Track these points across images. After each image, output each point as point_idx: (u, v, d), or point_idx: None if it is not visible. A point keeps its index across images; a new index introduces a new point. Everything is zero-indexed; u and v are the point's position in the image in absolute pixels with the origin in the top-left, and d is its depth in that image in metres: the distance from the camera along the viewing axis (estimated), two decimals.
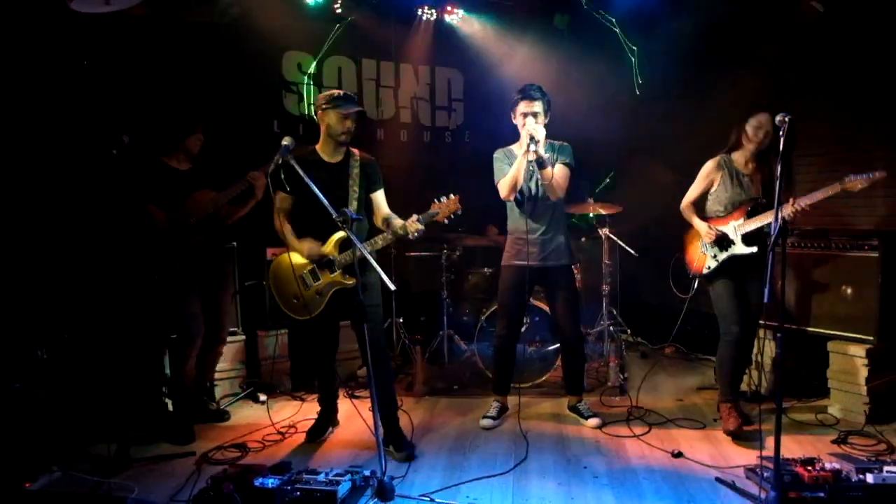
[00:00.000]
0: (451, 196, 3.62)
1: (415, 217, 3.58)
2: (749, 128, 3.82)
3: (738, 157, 3.93)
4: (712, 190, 3.99)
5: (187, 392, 4.15)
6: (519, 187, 4.00)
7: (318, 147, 3.79)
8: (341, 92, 3.72)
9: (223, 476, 3.09)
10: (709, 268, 3.95)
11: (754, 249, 3.79)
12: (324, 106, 3.67)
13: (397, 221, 3.69)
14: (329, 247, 3.68)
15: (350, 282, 3.65)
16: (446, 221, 3.65)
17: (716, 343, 3.99)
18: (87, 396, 4.07)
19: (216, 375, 4.64)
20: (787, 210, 3.54)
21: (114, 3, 3.87)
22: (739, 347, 3.91)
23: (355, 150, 3.84)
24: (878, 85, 4.66)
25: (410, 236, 3.60)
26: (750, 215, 3.82)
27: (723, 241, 3.88)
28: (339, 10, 5.84)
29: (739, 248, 3.84)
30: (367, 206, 3.86)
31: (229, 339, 4.67)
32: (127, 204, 3.98)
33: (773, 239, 2.99)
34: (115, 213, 4.07)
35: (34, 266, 4.21)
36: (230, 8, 5.37)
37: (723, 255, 3.89)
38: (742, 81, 5.32)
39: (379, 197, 3.88)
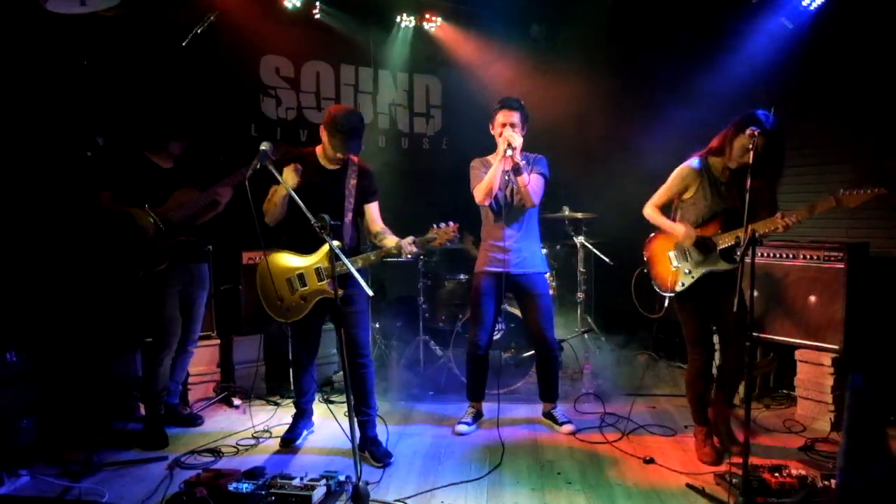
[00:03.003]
0: (451, 223, 3.62)
1: (411, 239, 3.61)
2: (737, 144, 3.43)
3: (716, 163, 3.61)
4: (686, 196, 3.68)
5: (160, 395, 4.11)
6: (494, 193, 4.05)
7: (318, 151, 3.78)
8: (346, 110, 3.70)
9: (196, 481, 3.08)
10: (682, 285, 3.64)
11: (735, 265, 3.43)
12: (327, 125, 3.65)
13: (391, 240, 3.68)
14: (320, 256, 3.67)
15: (339, 291, 3.61)
16: (440, 247, 3.69)
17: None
18: (56, 399, 4.00)
19: (189, 379, 4.61)
20: (779, 224, 3.33)
21: (89, 4, 3.83)
22: (704, 373, 3.71)
23: (355, 158, 3.82)
24: (868, 95, 4.76)
25: (404, 257, 3.64)
26: (727, 228, 3.53)
27: (703, 248, 3.58)
28: (317, 15, 5.85)
29: (720, 265, 3.55)
30: (360, 216, 3.87)
31: (204, 342, 4.65)
32: (109, 198, 3.94)
33: (742, 249, 3.05)
34: (95, 212, 4.01)
35: (2, 268, 4.14)
36: (208, 11, 5.34)
37: (699, 271, 3.59)
38: (711, 93, 5.43)
39: (373, 209, 3.87)
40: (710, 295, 3.63)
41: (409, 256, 3.64)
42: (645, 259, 3.89)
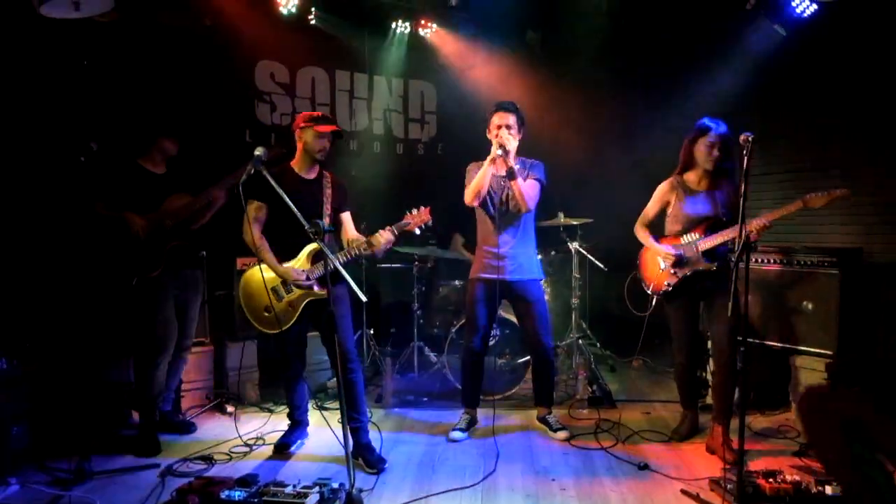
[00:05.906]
0: (422, 208, 3.77)
1: (387, 228, 3.68)
2: (702, 148, 3.77)
3: (691, 176, 3.91)
4: (669, 210, 3.98)
5: (154, 402, 4.08)
6: (483, 195, 4.04)
7: (293, 163, 3.86)
8: (320, 113, 3.83)
9: (188, 489, 3.06)
10: (668, 285, 3.91)
11: (714, 266, 3.77)
12: (302, 125, 3.77)
13: (366, 236, 3.76)
14: (301, 259, 3.71)
15: (322, 293, 3.65)
16: (417, 231, 3.79)
17: None
18: (48, 406, 3.97)
19: (182, 386, 4.58)
20: (749, 227, 3.47)
21: (84, 9, 3.82)
22: (688, 374, 4.05)
23: (327, 172, 3.94)
24: (840, 104, 4.80)
25: (384, 244, 3.67)
26: (710, 231, 3.78)
27: (682, 262, 3.84)
28: (312, 21, 5.86)
29: (701, 264, 3.79)
30: (336, 227, 3.92)
31: (197, 349, 4.63)
32: (101, 206, 3.94)
33: (736, 254, 3.06)
34: (88, 218, 4.00)
35: None
36: (203, 16, 5.34)
37: (683, 272, 3.85)
38: (705, 99, 5.46)
39: (347, 217, 3.96)
40: (698, 296, 3.93)
41: (387, 244, 3.69)
42: (638, 264, 4.18)
